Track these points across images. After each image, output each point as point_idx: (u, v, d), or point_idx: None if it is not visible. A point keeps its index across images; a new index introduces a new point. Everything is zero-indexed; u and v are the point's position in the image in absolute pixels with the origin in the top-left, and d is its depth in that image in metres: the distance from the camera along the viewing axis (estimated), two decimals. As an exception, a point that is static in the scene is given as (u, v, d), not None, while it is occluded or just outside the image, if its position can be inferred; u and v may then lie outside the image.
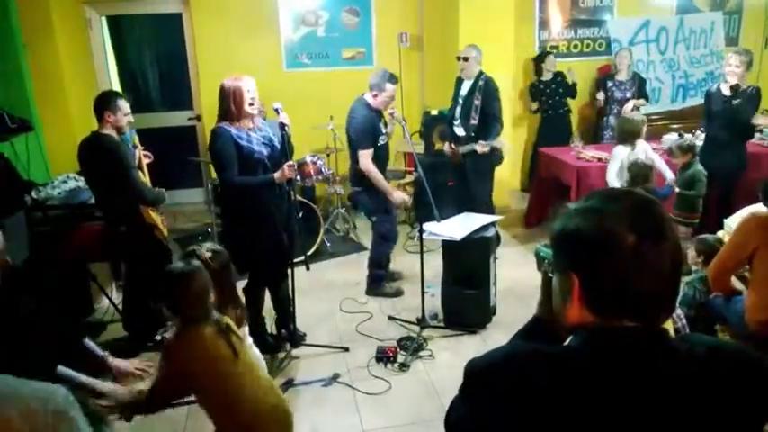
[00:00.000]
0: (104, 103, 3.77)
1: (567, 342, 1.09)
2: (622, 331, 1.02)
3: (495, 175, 5.34)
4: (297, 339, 3.95)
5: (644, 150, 4.77)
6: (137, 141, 4.22)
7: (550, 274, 1.21)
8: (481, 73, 5.13)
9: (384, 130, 4.52)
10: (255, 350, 2.75)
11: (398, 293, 4.73)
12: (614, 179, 4.68)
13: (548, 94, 6.96)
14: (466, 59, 5.09)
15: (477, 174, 5.19)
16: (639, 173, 4.41)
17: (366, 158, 4.39)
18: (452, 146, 5.25)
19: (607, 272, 1.00)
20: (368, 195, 4.55)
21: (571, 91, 6.94)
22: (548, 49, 7.15)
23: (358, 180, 4.54)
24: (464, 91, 5.23)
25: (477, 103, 5.10)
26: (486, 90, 5.07)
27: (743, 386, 1.02)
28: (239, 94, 3.51)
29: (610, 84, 6.55)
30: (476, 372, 1.10)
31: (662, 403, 0.98)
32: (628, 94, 6.45)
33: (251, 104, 3.55)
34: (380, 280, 4.79)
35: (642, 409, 0.97)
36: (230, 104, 3.52)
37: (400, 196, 4.58)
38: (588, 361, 1.01)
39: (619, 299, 1.01)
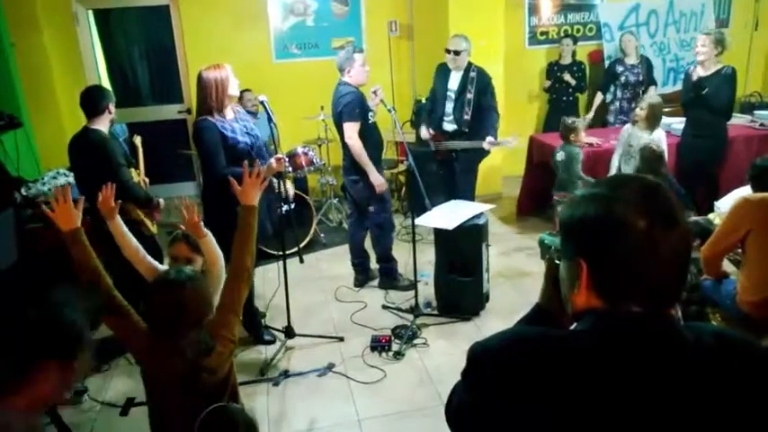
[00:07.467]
0: (106, 96, 3.78)
1: (573, 327, 1.09)
2: (630, 316, 1.01)
3: (486, 162, 5.31)
4: (291, 330, 3.95)
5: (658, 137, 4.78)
6: (137, 142, 4.25)
7: (557, 261, 1.20)
8: (470, 64, 4.90)
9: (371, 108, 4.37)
10: None
11: (412, 286, 4.33)
12: (616, 160, 4.92)
13: (559, 78, 6.90)
14: (458, 53, 4.82)
15: (464, 170, 5.12)
16: (651, 157, 4.27)
17: (352, 131, 4.22)
18: (430, 131, 5.10)
19: (617, 257, 0.99)
20: (363, 184, 4.41)
21: (582, 86, 6.91)
22: (562, 34, 7.15)
23: (352, 168, 4.42)
24: (453, 84, 4.98)
25: (469, 96, 4.88)
26: (480, 83, 4.85)
27: (751, 378, 1.02)
28: (222, 84, 3.47)
29: (620, 68, 6.48)
30: (479, 354, 1.08)
31: (668, 389, 0.97)
32: (640, 77, 6.38)
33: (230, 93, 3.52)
34: (393, 272, 4.68)
35: (648, 394, 0.97)
36: (212, 94, 3.46)
37: (378, 178, 4.36)
38: (595, 345, 1.01)
39: (628, 284, 1.00)
